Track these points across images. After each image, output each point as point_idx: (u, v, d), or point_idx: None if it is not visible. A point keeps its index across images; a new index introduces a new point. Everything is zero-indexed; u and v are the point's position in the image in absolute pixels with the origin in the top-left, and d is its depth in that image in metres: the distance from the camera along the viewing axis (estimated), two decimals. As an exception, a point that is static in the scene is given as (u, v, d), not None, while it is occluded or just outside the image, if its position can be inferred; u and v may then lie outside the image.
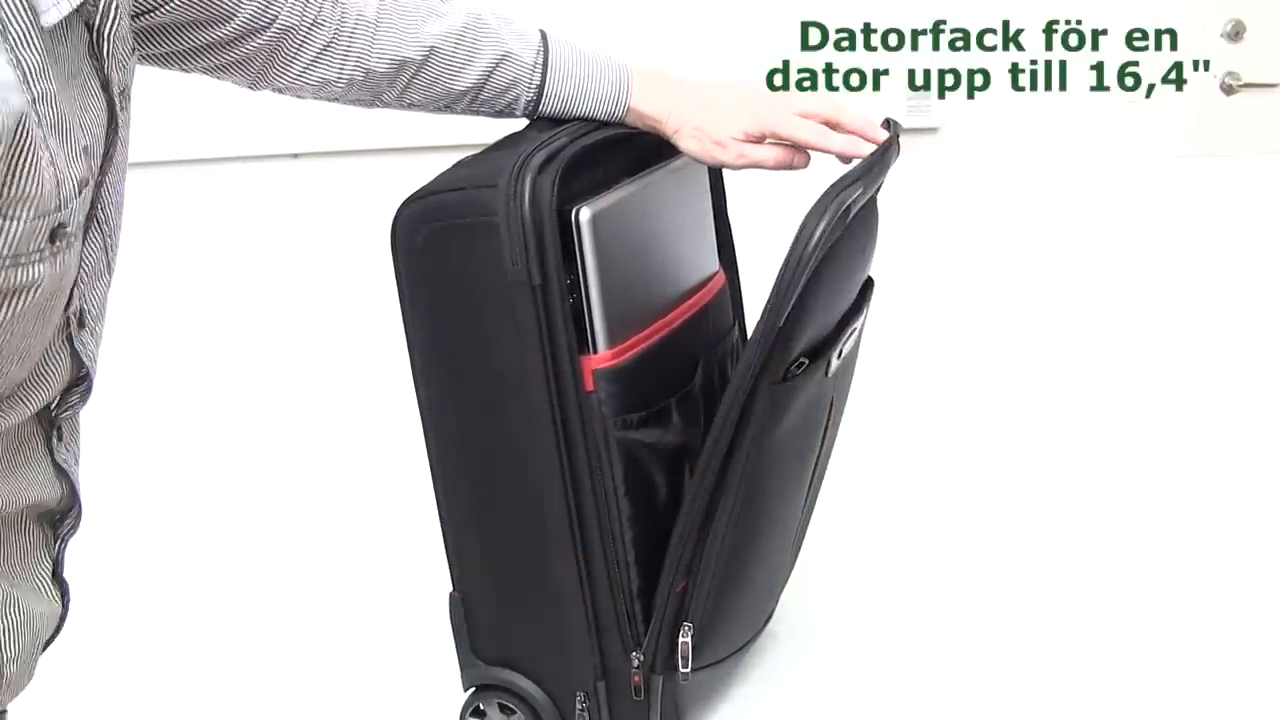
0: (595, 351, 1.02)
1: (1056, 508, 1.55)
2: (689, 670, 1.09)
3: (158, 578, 1.54)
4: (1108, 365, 1.82)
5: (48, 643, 0.80)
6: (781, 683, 1.26)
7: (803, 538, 1.28)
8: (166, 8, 0.89)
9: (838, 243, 0.97)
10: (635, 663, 1.09)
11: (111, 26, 0.68)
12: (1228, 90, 1.90)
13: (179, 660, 1.37)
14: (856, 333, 1.13)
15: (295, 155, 2.12)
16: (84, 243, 0.71)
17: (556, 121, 1.09)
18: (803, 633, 1.33)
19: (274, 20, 0.97)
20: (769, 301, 0.95)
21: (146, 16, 0.89)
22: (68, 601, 0.81)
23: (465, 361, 1.05)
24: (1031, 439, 1.71)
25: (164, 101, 2.01)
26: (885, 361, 1.87)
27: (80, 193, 0.65)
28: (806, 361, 1.01)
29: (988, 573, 1.42)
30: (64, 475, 0.77)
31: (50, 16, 0.61)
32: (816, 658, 1.29)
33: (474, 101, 1.08)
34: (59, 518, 0.79)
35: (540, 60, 1.08)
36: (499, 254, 0.98)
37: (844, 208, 0.94)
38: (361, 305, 2.05)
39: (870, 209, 1.07)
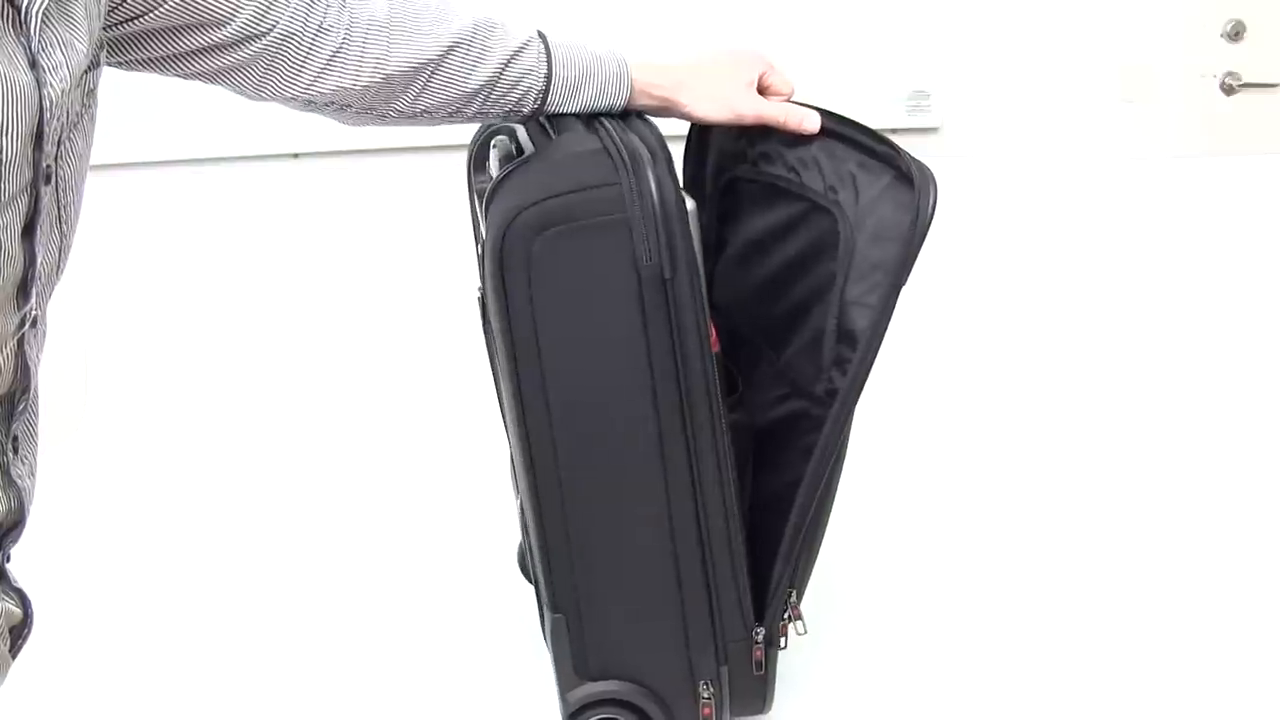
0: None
1: (1055, 509, 1.55)
2: (804, 633, 1.13)
3: (143, 586, 1.53)
4: (1108, 365, 1.81)
5: (16, 646, 0.80)
6: (782, 689, 1.26)
7: None
8: (158, 12, 0.88)
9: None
10: (758, 637, 1.12)
11: (37, 4, 0.68)
12: (1228, 90, 1.90)
13: (160, 677, 1.35)
14: None
15: (295, 155, 2.12)
16: (38, 236, 0.71)
17: (588, 121, 1.09)
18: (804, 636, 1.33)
19: (274, 26, 0.96)
20: (894, 275, 1.01)
21: (139, 20, 0.88)
22: (29, 605, 0.80)
23: (591, 364, 1.04)
24: (1031, 439, 1.71)
25: (164, 102, 2.01)
26: (884, 361, 1.86)
27: None
28: None
29: (988, 571, 1.42)
30: (14, 488, 0.76)
31: None
32: (814, 662, 1.29)
33: (488, 99, 1.07)
34: (4, 532, 0.77)
35: (543, 49, 1.08)
36: (626, 251, 0.99)
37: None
38: (362, 305, 2.06)
39: None
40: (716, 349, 1.06)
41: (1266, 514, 1.50)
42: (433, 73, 1.04)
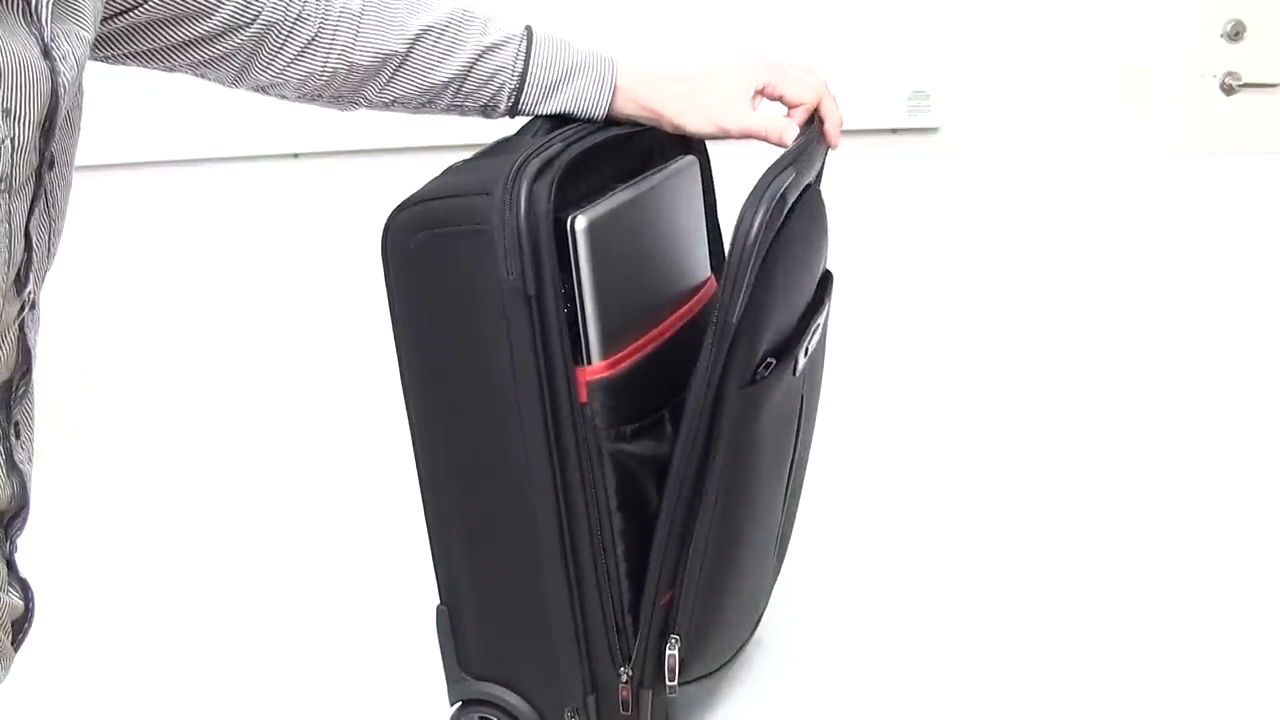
0: (589, 362, 1.01)
1: (1055, 512, 1.55)
2: (676, 684, 1.08)
3: (143, 582, 1.54)
4: (1108, 365, 1.81)
5: (17, 640, 0.80)
6: (770, 694, 1.26)
7: (787, 543, 1.28)
8: (145, 6, 0.89)
9: (784, 234, 0.97)
10: (624, 678, 1.08)
11: None
12: (1228, 90, 1.90)
13: (160, 670, 1.36)
14: (820, 329, 1.13)
15: (295, 155, 2.12)
16: (34, 221, 0.71)
17: (552, 126, 1.08)
18: (791, 642, 1.32)
19: (257, 16, 0.98)
20: (719, 300, 0.95)
21: (126, 15, 0.89)
22: (31, 596, 0.80)
23: (455, 372, 1.03)
24: (1030, 441, 1.71)
25: (164, 102, 2.02)
26: (885, 362, 1.87)
27: None
28: (774, 361, 1.01)
29: (978, 577, 1.42)
30: (17, 473, 0.76)
31: None
32: (805, 667, 1.29)
33: (457, 94, 1.08)
34: (10, 518, 0.78)
35: (523, 49, 1.08)
36: (493, 263, 0.96)
37: (779, 195, 0.94)
38: (361, 306, 2.06)
39: (814, 199, 1.08)
40: (605, 375, 1.01)
41: (1267, 514, 1.50)
42: (399, 65, 1.05)
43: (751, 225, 0.93)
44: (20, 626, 0.81)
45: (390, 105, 1.09)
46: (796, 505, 1.27)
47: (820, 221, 1.11)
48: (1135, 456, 1.65)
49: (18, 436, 0.77)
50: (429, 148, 1.92)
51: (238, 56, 1.00)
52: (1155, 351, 1.81)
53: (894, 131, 1.99)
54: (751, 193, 0.94)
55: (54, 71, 0.70)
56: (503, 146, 1.07)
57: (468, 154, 1.10)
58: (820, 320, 1.11)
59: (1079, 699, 1.20)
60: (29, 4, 0.69)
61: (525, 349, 0.98)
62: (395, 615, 1.39)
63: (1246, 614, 1.31)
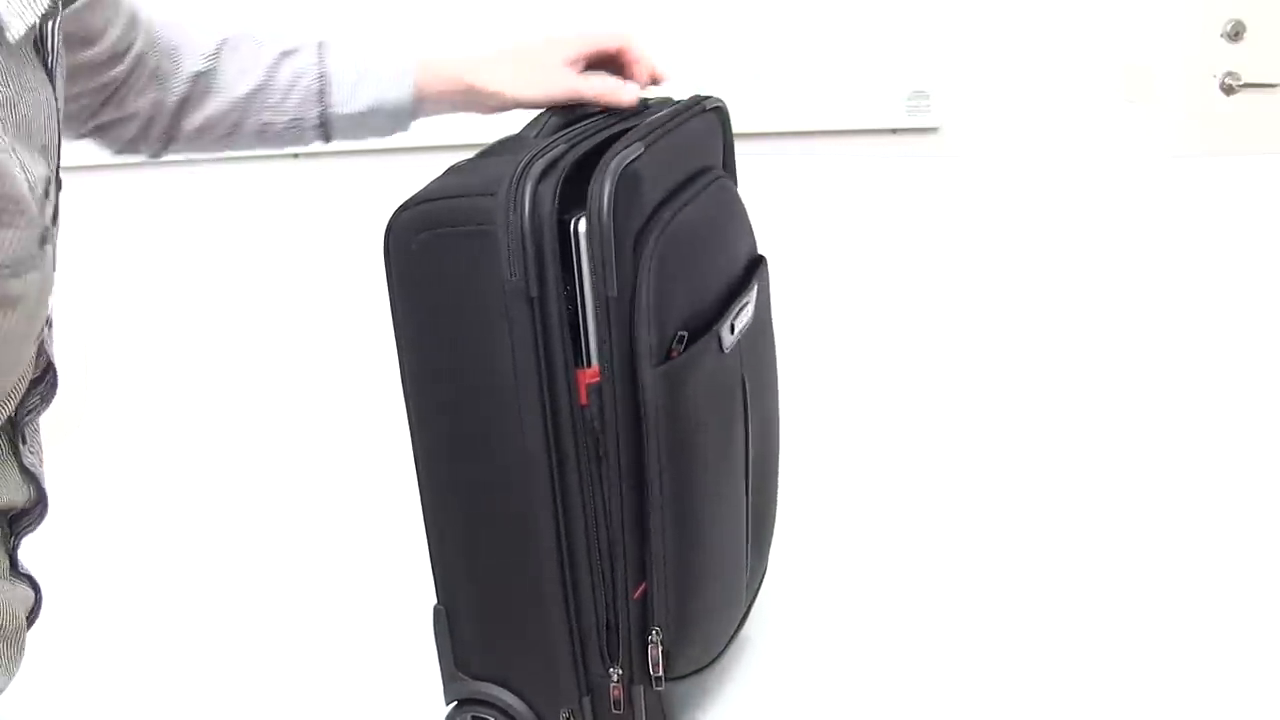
0: (589, 365, 1.01)
1: (1052, 512, 1.55)
2: (661, 676, 1.08)
3: (143, 582, 1.54)
4: (1108, 365, 1.82)
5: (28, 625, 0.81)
6: (764, 689, 1.26)
7: (768, 534, 1.28)
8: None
9: (667, 212, 1.00)
10: (614, 677, 1.09)
11: (55, 22, 0.69)
12: (1228, 90, 1.90)
13: (159, 669, 1.36)
14: (749, 308, 1.13)
15: (295, 155, 2.12)
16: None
17: (557, 125, 1.09)
18: (783, 637, 1.33)
19: (131, 45, 1.00)
20: (592, 277, 0.97)
21: None
22: (38, 587, 0.81)
23: (456, 372, 1.03)
24: (1030, 440, 1.71)
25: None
26: (882, 361, 1.87)
27: (48, 193, 0.66)
28: (685, 335, 1.02)
29: (967, 572, 1.42)
30: (31, 477, 0.77)
31: (15, 30, 0.62)
32: (798, 662, 1.29)
33: (264, 107, 1.08)
34: (19, 515, 0.79)
35: (318, 50, 1.09)
36: (496, 263, 0.97)
37: (623, 168, 0.96)
38: (361, 307, 2.06)
39: (717, 184, 1.10)
40: (597, 379, 1.02)
41: (1267, 514, 1.50)
42: (209, 82, 1.07)
43: (601, 200, 0.95)
44: (30, 617, 0.82)
45: (199, 135, 1.09)
46: (773, 493, 1.27)
47: (728, 205, 1.13)
48: (1134, 456, 1.65)
49: (24, 442, 0.78)
50: (430, 148, 1.92)
51: (110, 86, 1.01)
52: (1155, 351, 1.81)
53: (894, 131, 1.99)
54: (595, 171, 0.96)
55: (56, 97, 0.71)
56: (505, 146, 1.07)
57: (469, 154, 1.10)
58: (746, 300, 1.12)
59: (1070, 694, 1.20)
60: (41, 40, 0.69)
61: (526, 350, 0.99)
62: (392, 615, 1.39)
63: (1243, 611, 1.31)
